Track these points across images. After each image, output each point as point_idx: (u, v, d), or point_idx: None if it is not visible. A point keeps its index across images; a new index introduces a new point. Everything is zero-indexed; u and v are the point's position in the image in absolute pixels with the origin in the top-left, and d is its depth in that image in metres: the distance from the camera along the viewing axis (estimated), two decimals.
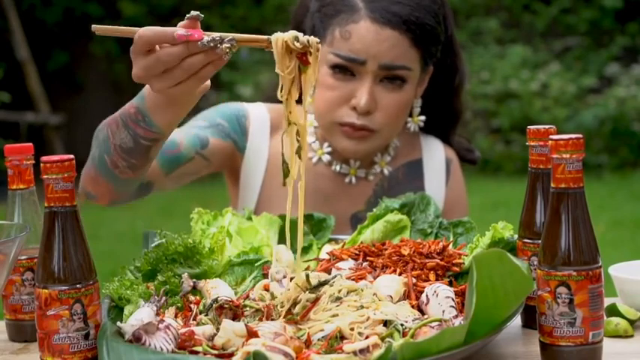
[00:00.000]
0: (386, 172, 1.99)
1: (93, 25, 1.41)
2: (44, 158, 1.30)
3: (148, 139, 1.54)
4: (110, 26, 1.43)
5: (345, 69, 1.84)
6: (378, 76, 1.84)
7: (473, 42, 8.40)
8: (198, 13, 1.38)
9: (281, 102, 1.41)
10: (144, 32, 1.38)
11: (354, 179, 1.97)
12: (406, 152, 2.03)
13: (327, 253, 1.59)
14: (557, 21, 8.48)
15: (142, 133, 1.53)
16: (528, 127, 1.46)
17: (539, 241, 1.32)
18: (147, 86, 1.51)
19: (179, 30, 1.37)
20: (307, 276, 1.38)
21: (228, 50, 1.37)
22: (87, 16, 8.70)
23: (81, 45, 8.80)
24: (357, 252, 1.55)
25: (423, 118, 1.97)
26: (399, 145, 2.02)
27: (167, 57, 1.38)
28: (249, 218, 1.64)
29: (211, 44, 1.36)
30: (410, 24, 1.82)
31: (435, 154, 2.05)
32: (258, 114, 2.00)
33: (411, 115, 1.98)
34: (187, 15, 1.38)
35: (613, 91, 7.81)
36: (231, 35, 1.37)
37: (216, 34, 1.36)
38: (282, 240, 1.64)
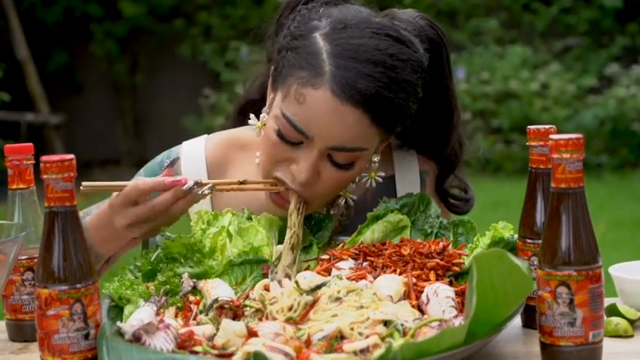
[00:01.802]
0: (350, 202, 1.73)
1: (83, 184, 1.57)
2: (44, 158, 1.30)
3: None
4: (98, 182, 1.61)
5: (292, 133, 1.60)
6: (326, 152, 1.59)
7: (473, 42, 8.39)
8: (176, 157, 1.67)
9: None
10: (140, 185, 1.53)
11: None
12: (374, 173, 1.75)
13: (327, 253, 1.59)
14: (557, 21, 8.48)
15: None
16: (528, 127, 1.46)
17: (540, 241, 1.32)
18: (91, 219, 1.64)
19: (167, 178, 1.54)
20: (297, 283, 1.38)
21: (207, 193, 1.56)
22: (87, 16, 8.70)
23: (81, 45, 8.80)
24: (357, 252, 1.55)
25: (382, 174, 1.71)
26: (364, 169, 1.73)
27: (160, 205, 1.53)
28: (249, 218, 1.64)
29: (194, 187, 1.54)
30: (374, 105, 1.55)
31: (409, 169, 1.82)
32: (191, 158, 1.80)
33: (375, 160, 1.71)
34: (165, 162, 1.61)
35: (613, 91, 7.80)
36: (210, 182, 1.57)
37: (193, 181, 1.55)
38: (282, 240, 1.64)
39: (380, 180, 1.71)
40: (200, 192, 1.55)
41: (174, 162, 1.61)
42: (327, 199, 1.67)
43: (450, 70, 1.74)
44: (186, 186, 1.53)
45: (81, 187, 1.56)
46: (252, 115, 1.72)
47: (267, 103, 1.68)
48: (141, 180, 1.54)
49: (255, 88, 1.86)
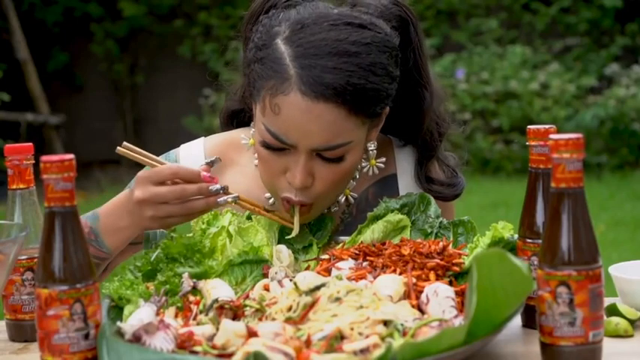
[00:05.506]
0: (351, 199, 1.75)
1: (121, 146, 1.59)
2: (44, 158, 1.30)
3: (97, 258, 1.65)
4: (136, 148, 1.61)
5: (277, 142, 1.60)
6: (312, 153, 1.59)
7: (473, 42, 8.39)
8: (217, 157, 1.61)
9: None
10: (174, 168, 1.54)
11: None
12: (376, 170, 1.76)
13: (327, 253, 1.59)
14: (557, 21, 8.48)
15: (93, 252, 1.62)
16: (528, 126, 1.46)
17: (540, 241, 1.32)
18: (104, 206, 1.65)
19: (203, 173, 1.53)
20: (295, 284, 1.38)
21: (230, 201, 1.56)
22: (87, 16, 8.70)
23: (81, 45, 8.80)
24: (357, 252, 1.55)
25: (383, 159, 1.73)
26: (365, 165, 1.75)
27: (181, 192, 1.52)
28: (249, 218, 1.64)
29: (220, 191, 1.54)
30: (345, 95, 1.54)
31: (409, 166, 1.81)
32: (191, 159, 1.78)
33: (370, 152, 1.73)
34: (206, 160, 1.59)
35: (613, 91, 7.80)
36: (236, 193, 1.58)
37: (220, 185, 1.55)
38: (282, 240, 1.64)
39: (382, 166, 1.73)
40: (223, 199, 1.54)
41: (214, 162, 1.60)
42: (330, 198, 1.67)
43: (420, 46, 1.72)
44: (212, 186, 1.53)
45: (119, 147, 1.59)
46: (243, 135, 1.76)
47: (254, 117, 1.69)
48: (177, 165, 1.57)
49: (235, 100, 1.87)
